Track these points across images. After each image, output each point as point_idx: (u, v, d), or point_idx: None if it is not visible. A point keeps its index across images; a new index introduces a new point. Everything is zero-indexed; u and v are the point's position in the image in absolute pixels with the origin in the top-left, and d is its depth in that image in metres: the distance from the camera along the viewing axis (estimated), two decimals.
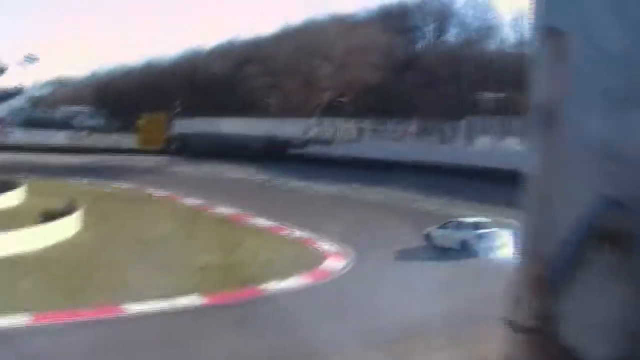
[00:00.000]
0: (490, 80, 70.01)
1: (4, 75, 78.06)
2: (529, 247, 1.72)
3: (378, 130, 55.90)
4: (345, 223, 28.26)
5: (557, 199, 1.66)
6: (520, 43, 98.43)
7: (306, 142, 60.24)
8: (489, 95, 53.71)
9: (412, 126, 53.50)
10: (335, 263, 21.40)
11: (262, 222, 29.65)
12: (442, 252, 23.35)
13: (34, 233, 22.06)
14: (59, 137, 75.38)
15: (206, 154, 67.49)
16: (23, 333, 13.57)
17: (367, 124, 56.33)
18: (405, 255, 23.37)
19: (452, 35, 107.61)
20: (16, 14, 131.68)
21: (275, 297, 17.45)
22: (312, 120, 65.15)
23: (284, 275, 19.31)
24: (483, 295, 17.01)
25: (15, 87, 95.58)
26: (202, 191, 39.83)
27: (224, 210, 33.19)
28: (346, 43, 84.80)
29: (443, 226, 24.86)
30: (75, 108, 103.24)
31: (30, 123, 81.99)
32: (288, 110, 77.76)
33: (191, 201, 36.64)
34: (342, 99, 73.30)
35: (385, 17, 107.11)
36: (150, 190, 41.17)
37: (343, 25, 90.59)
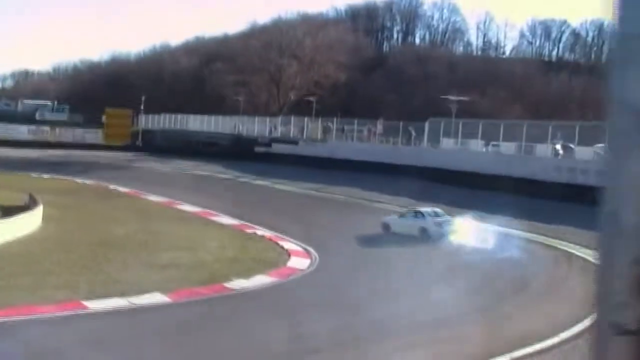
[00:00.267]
0: (456, 82, 70.90)
1: None
2: (632, 249, 1.72)
3: (344, 130, 56.14)
4: (308, 220, 28.87)
5: None
6: (486, 46, 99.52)
7: (272, 141, 60.23)
8: (453, 98, 54.35)
9: (379, 126, 53.86)
10: (300, 261, 21.51)
11: (226, 220, 29.69)
12: (402, 239, 25.21)
13: None
14: (21, 131, 74.01)
15: (172, 150, 67.09)
16: None
17: (333, 123, 56.53)
18: (368, 241, 25.37)
19: (418, 37, 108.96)
20: None
21: (242, 294, 17.52)
22: (279, 119, 65.15)
23: (249, 272, 19.41)
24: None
25: None
26: (167, 188, 39.68)
27: (187, 207, 33.10)
28: (314, 42, 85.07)
29: (402, 215, 27.34)
30: (38, 101, 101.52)
31: None
32: (255, 108, 77.76)
33: (155, 198, 36.45)
34: (309, 98, 73.54)
35: (353, 16, 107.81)
36: (114, 186, 40.83)
37: (311, 24, 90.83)
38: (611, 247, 1.75)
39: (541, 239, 26.00)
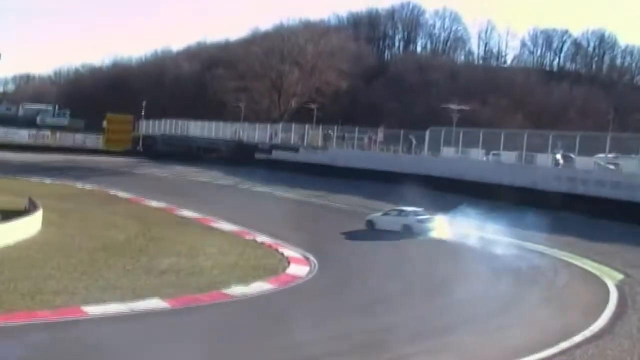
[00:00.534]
0: (457, 91, 71.00)
1: None
2: None
3: (345, 138, 56.15)
4: (308, 227, 28.96)
5: None
6: (487, 55, 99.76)
7: (273, 148, 60.24)
8: (454, 107, 54.43)
9: (379, 134, 53.86)
10: (300, 268, 21.48)
11: (226, 226, 29.68)
12: (385, 234, 28.44)
13: None
14: (22, 135, 74.04)
15: (173, 156, 67.12)
16: None
17: (334, 131, 56.55)
18: (368, 249, 25.76)
19: (420, 45, 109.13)
20: None
21: (243, 300, 17.49)
22: (280, 126, 65.18)
23: (248, 279, 19.38)
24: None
25: None
26: (167, 193, 39.71)
27: (187, 213, 33.10)
28: (316, 49, 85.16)
29: (386, 213, 30.33)
30: (39, 106, 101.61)
31: None
32: (256, 115, 77.76)
33: (155, 203, 36.44)
34: (310, 105, 73.60)
35: (355, 24, 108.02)
36: (114, 192, 40.83)
37: (313, 31, 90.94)
38: None
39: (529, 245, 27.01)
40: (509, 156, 39.67)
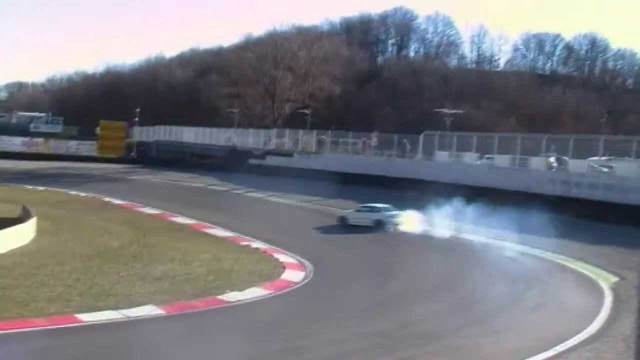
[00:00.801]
0: (450, 95, 71.21)
1: None
2: None
3: (338, 143, 56.11)
4: (302, 233, 28.89)
5: None
6: (480, 59, 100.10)
7: (267, 153, 60.18)
8: (448, 111, 54.51)
9: (373, 139, 53.84)
10: (295, 274, 21.45)
11: (220, 232, 29.64)
12: (358, 229, 30.74)
13: None
14: (15, 143, 73.79)
15: (166, 162, 67.00)
16: None
17: (328, 136, 56.53)
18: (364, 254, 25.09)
19: (413, 50, 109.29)
20: None
21: (238, 306, 17.45)
22: (274, 131, 65.12)
23: (243, 285, 19.34)
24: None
25: None
26: (161, 200, 39.65)
27: (181, 219, 33.05)
28: (309, 54, 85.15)
29: (358, 210, 32.61)
30: (32, 113, 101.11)
31: None
32: (250, 120, 77.67)
33: (149, 210, 36.37)
34: (304, 110, 73.53)
35: (348, 29, 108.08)
36: (108, 199, 40.74)
37: (306, 36, 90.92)
38: None
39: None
40: (502, 160, 39.73)
